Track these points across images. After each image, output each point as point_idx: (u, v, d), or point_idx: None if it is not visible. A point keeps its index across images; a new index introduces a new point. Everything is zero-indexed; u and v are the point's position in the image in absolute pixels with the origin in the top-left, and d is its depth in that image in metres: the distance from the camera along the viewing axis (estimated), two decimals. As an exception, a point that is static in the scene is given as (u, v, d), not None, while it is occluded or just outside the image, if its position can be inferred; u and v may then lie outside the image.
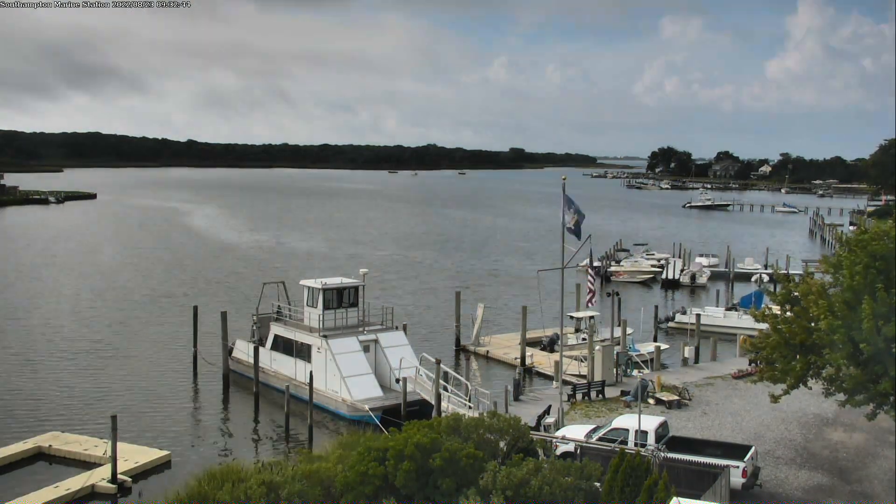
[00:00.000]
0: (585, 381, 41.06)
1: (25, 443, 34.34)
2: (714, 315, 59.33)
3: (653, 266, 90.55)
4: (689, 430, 33.23)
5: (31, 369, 47.43)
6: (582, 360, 45.86)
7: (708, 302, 70.47)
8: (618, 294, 53.53)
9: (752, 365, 41.93)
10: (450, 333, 55.84)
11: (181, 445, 35.87)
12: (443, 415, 31.38)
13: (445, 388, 37.82)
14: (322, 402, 39.24)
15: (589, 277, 39.41)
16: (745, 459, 26.35)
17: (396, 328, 44.38)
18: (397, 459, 22.32)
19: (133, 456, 32.49)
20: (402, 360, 40.90)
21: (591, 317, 50.96)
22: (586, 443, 28.28)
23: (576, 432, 30.06)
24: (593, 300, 37.93)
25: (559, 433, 30.53)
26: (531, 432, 26.63)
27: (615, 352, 43.72)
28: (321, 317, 42.57)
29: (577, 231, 32.76)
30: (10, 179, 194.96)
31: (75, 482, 29.94)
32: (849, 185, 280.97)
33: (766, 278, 74.10)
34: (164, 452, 33.73)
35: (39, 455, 33.72)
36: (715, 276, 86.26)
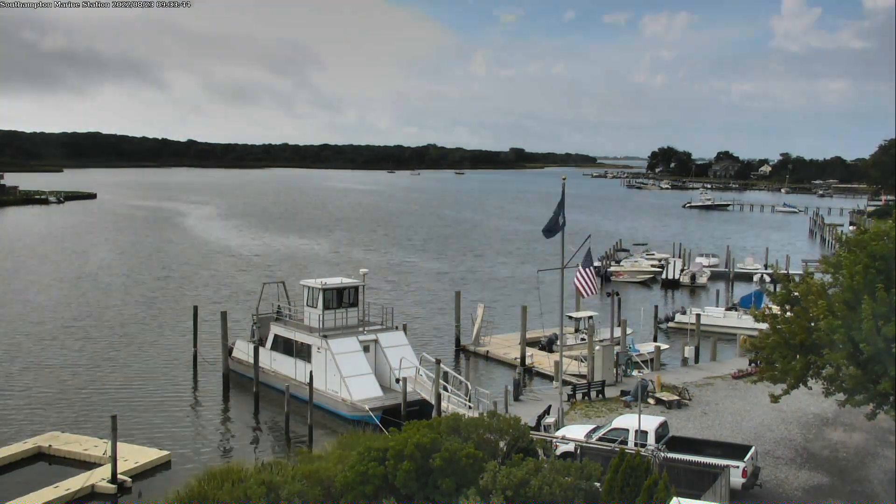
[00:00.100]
0: (585, 381, 41.07)
1: (25, 443, 34.34)
2: (714, 315, 59.33)
3: (653, 266, 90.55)
4: (689, 430, 33.23)
5: (31, 369, 47.43)
6: (582, 360, 45.88)
7: (708, 302, 70.48)
8: (618, 294, 53.51)
9: (752, 365, 41.94)
10: (450, 333, 55.86)
11: (181, 445, 35.86)
12: (443, 415, 31.37)
13: (445, 388, 37.81)
14: (322, 402, 39.23)
15: (578, 278, 37.06)
16: (745, 459, 26.34)
17: (396, 328, 44.37)
18: (397, 459, 22.32)
19: (133, 456, 32.49)
20: (402, 360, 40.90)
21: (590, 317, 51.12)
22: (586, 443, 28.28)
23: (576, 432, 30.05)
24: (589, 293, 35.46)
25: (559, 433, 30.53)
26: (531, 432, 26.61)
27: (615, 352, 43.71)
28: (321, 317, 42.58)
29: (546, 232, 32.93)
30: (10, 179, 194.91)
31: (75, 482, 29.93)
32: (849, 185, 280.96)
33: (767, 279, 74.18)
34: (164, 452, 33.73)
35: (39, 455, 33.71)
36: (715, 276, 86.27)
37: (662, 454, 26.13)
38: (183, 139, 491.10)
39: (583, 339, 48.48)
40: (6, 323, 59.47)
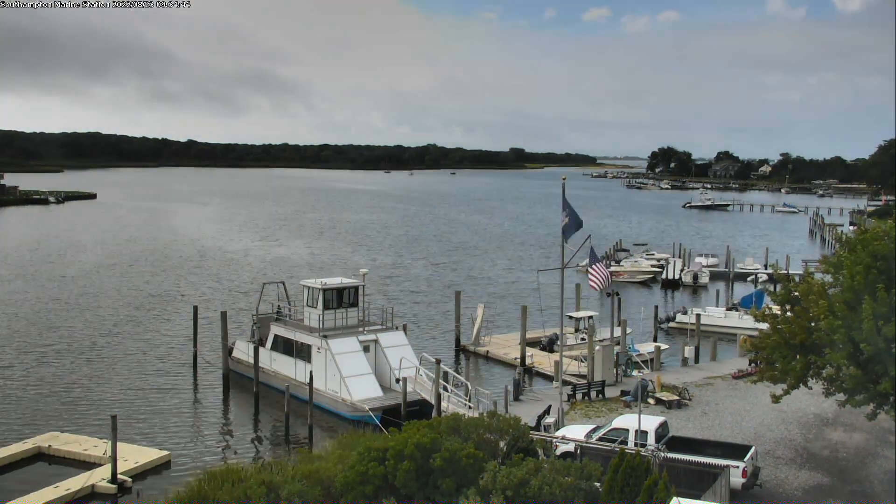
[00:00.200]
0: (585, 381, 41.07)
1: (25, 443, 34.34)
2: (714, 315, 59.33)
3: (653, 266, 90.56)
4: (689, 430, 33.22)
5: (31, 369, 47.43)
6: (582, 360, 45.88)
7: (708, 302, 70.49)
8: (618, 294, 53.53)
9: (752, 365, 41.93)
10: (450, 333, 55.86)
11: (181, 445, 35.87)
12: (443, 415, 31.36)
13: (445, 388, 37.81)
14: (322, 402, 39.23)
15: (591, 273, 37.68)
16: (745, 459, 26.34)
17: (396, 328, 44.36)
18: (397, 459, 22.31)
19: (133, 456, 32.49)
20: (402, 360, 40.89)
21: (590, 317, 51.14)
22: (586, 443, 28.27)
23: (576, 432, 30.05)
24: (603, 286, 35.74)
25: (559, 433, 30.52)
26: (531, 432, 26.61)
27: (615, 352, 43.71)
28: (321, 317, 42.57)
29: (566, 234, 32.82)
30: (10, 179, 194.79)
31: (75, 482, 29.93)
32: (849, 185, 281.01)
33: (763, 277, 74.21)
34: (164, 452, 33.74)
35: (39, 455, 33.70)
36: (715, 276, 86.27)
37: (662, 454, 26.13)
38: (183, 139, 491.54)
39: (583, 339, 48.49)
40: (6, 323, 59.45)
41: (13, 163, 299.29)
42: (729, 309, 61.63)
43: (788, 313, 28.11)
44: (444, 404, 36.32)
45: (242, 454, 34.96)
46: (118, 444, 30.50)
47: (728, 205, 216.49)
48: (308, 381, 37.93)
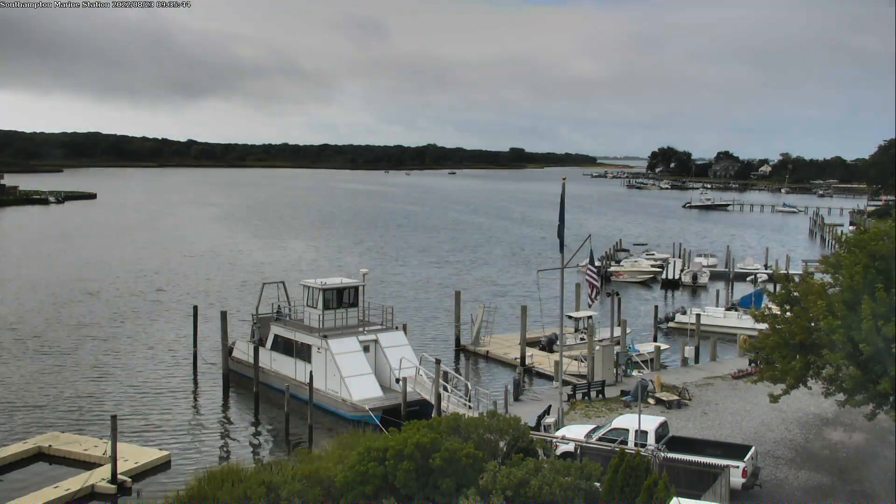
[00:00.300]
0: (585, 381, 41.07)
1: (25, 443, 34.36)
2: (714, 315, 59.34)
3: (653, 266, 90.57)
4: (689, 430, 33.22)
5: (31, 369, 47.43)
6: (582, 360, 45.88)
7: (708, 302, 70.50)
8: (618, 294, 53.53)
9: (752, 365, 41.93)
10: (450, 333, 55.87)
11: (181, 445, 35.89)
12: (443, 415, 31.38)
13: (445, 388, 37.82)
14: (322, 402, 39.23)
15: (589, 275, 38.98)
16: (745, 459, 26.35)
17: (396, 328, 44.35)
18: (397, 459, 22.32)
19: (133, 456, 32.50)
20: (402, 360, 40.89)
21: (590, 317, 51.13)
22: (586, 443, 28.28)
23: (576, 432, 30.06)
24: (594, 296, 37.23)
25: (559, 433, 30.53)
26: (531, 432, 26.62)
27: (615, 352, 43.72)
28: (321, 317, 42.59)
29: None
30: (10, 179, 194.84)
31: (75, 482, 29.94)
32: (849, 185, 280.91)
33: (763, 277, 74.16)
34: (164, 452, 33.75)
35: (39, 455, 33.70)
36: (715, 276, 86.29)
37: (662, 454, 26.13)
38: (183, 139, 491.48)
39: (583, 339, 48.49)
40: (6, 323, 59.46)
41: (13, 163, 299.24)
42: (729, 309, 61.65)
43: (788, 313, 28.12)
44: (444, 404, 36.33)
45: (242, 454, 34.98)
46: (118, 444, 30.51)
47: (728, 205, 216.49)
48: (308, 381, 37.94)
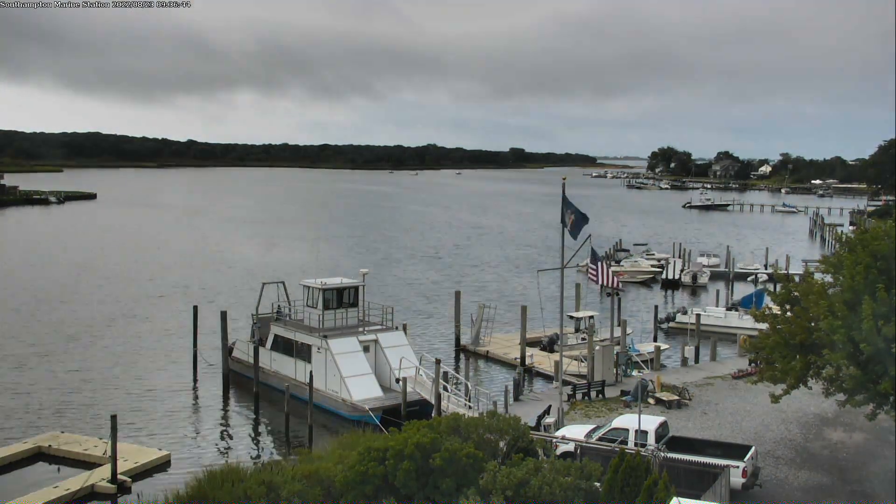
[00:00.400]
0: (585, 381, 41.07)
1: (25, 443, 34.36)
2: (714, 315, 59.34)
3: (653, 266, 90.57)
4: (689, 430, 33.22)
5: (31, 369, 47.45)
6: (582, 360, 45.88)
7: (708, 302, 70.49)
8: (618, 294, 53.53)
9: (752, 365, 41.94)
10: (450, 333, 55.87)
11: (181, 445, 35.89)
12: (443, 415, 31.38)
13: (445, 388, 37.82)
14: (322, 402, 39.24)
15: (590, 274, 39.17)
16: (745, 459, 26.34)
17: (396, 328, 44.36)
18: (397, 459, 22.32)
19: (133, 456, 32.50)
20: (402, 360, 40.89)
21: (591, 317, 51.12)
22: (586, 443, 28.28)
23: (576, 432, 30.06)
24: (613, 283, 37.47)
25: (559, 433, 30.53)
26: (531, 432, 26.62)
27: (615, 352, 43.72)
28: (321, 317, 42.58)
29: (574, 231, 32.84)
30: (10, 179, 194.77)
31: (75, 482, 29.95)
32: (849, 185, 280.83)
33: (763, 277, 74.20)
34: (164, 452, 33.76)
35: (39, 455, 33.72)
36: (715, 276, 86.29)
37: (662, 454, 26.13)
38: (183, 139, 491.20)
39: (583, 339, 48.48)
40: (6, 323, 59.46)
41: (13, 163, 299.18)
42: (729, 309, 61.64)
43: (788, 313, 28.12)
44: (444, 404, 36.33)
45: (242, 454, 34.98)
46: (118, 444, 30.51)
47: (728, 205, 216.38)
48: (308, 381, 37.95)
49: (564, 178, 33.64)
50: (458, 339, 53.90)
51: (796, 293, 28.19)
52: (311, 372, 38.83)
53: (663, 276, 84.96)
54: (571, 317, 52.07)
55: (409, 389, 38.16)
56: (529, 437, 25.43)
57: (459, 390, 39.44)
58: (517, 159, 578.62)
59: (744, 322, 53.76)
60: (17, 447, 33.77)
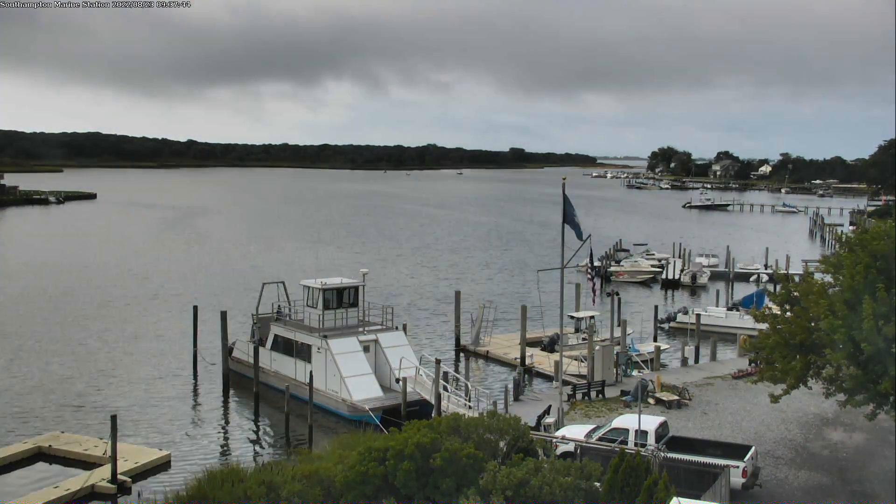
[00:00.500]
0: (585, 381, 41.07)
1: (25, 443, 34.36)
2: (715, 315, 59.33)
3: (653, 266, 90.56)
4: (689, 430, 33.22)
5: (31, 369, 47.44)
6: (582, 360, 45.87)
7: (708, 302, 70.48)
8: (618, 294, 53.55)
9: (752, 365, 41.93)
10: (450, 333, 55.86)
11: (181, 445, 35.89)
12: (443, 415, 31.38)
13: (445, 388, 37.81)
14: (322, 402, 39.23)
15: (588, 276, 39.54)
16: (745, 459, 26.35)
17: (396, 328, 44.36)
18: (397, 459, 22.32)
19: (133, 456, 32.50)
20: (402, 360, 40.89)
21: (591, 317, 51.11)
22: (586, 443, 28.28)
23: (576, 432, 30.06)
24: (594, 298, 38.00)
25: (559, 433, 30.53)
26: (531, 432, 26.62)
27: (615, 352, 43.72)
28: (321, 317, 42.58)
29: (577, 232, 32.83)
30: (10, 179, 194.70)
31: (75, 482, 29.95)
32: (849, 185, 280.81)
33: (764, 277, 74.21)
34: (164, 452, 33.76)
35: (39, 455, 33.71)
36: (715, 276, 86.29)
37: (662, 454, 26.13)
38: (183, 139, 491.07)
39: (584, 339, 48.48)
40: (6, 323, 59.46)
41: (13, 163, 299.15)
42: (730, 309, 61.64)
43: (788, 313, 28.13)
44: (444, 404, 36.33)
45: (242, 454, 34.98)
46: (118, 444, 30.51)
47: (728, 205, 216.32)
48: (308, 381, 37.94)
49: (564, 178, 33.63)
50: (458, 339, 53.89)
51: (796, 293, 28.19)
52: (311, 372, 38.83)
53: (663, 276, 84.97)
54: (572, 317, 52.08)
55: (409, 389, 38.16)
56: (529, 437, 25.42)
57: (459, 390, 39.43)
58: (517, 159, 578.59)
59: (744, 322, 53.75)
60: (17, 447, 33.78)
